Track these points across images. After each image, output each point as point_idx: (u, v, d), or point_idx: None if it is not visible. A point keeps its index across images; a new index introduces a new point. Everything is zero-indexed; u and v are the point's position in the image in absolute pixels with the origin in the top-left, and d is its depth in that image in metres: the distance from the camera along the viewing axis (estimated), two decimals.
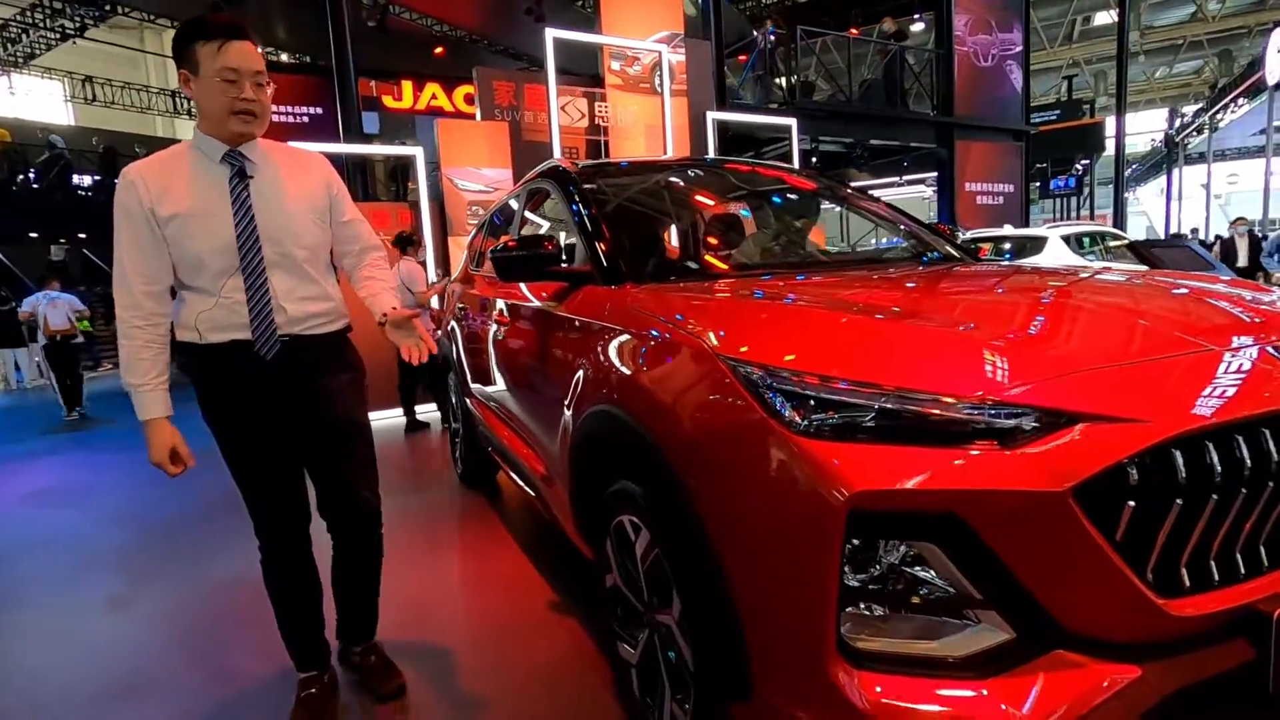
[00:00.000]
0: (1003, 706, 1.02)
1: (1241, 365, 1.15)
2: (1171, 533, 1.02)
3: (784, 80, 10.31)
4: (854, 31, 11.21)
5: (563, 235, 2.48)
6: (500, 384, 2.84)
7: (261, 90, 1.66)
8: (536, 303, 2.34)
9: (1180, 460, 1.00)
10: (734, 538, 1.22)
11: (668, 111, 7.22)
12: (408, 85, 14.14)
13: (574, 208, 2.33)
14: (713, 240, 2.55)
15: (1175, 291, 1.54)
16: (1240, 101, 23.15)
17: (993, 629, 1.07)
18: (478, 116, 6.85)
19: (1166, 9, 24.04)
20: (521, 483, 2.69)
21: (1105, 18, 24.34)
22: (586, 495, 1.93)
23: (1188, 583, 1.05)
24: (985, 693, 1.04)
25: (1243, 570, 1.09)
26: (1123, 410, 1.02)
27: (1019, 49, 11.40)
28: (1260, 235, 10.62)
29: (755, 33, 10.42)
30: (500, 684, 2.00)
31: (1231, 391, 1.09)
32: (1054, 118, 18.60)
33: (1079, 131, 16.84)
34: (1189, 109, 27.02)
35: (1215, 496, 1.02)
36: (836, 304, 1.53)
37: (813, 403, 1.14)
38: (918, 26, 13.90)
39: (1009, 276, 1.89)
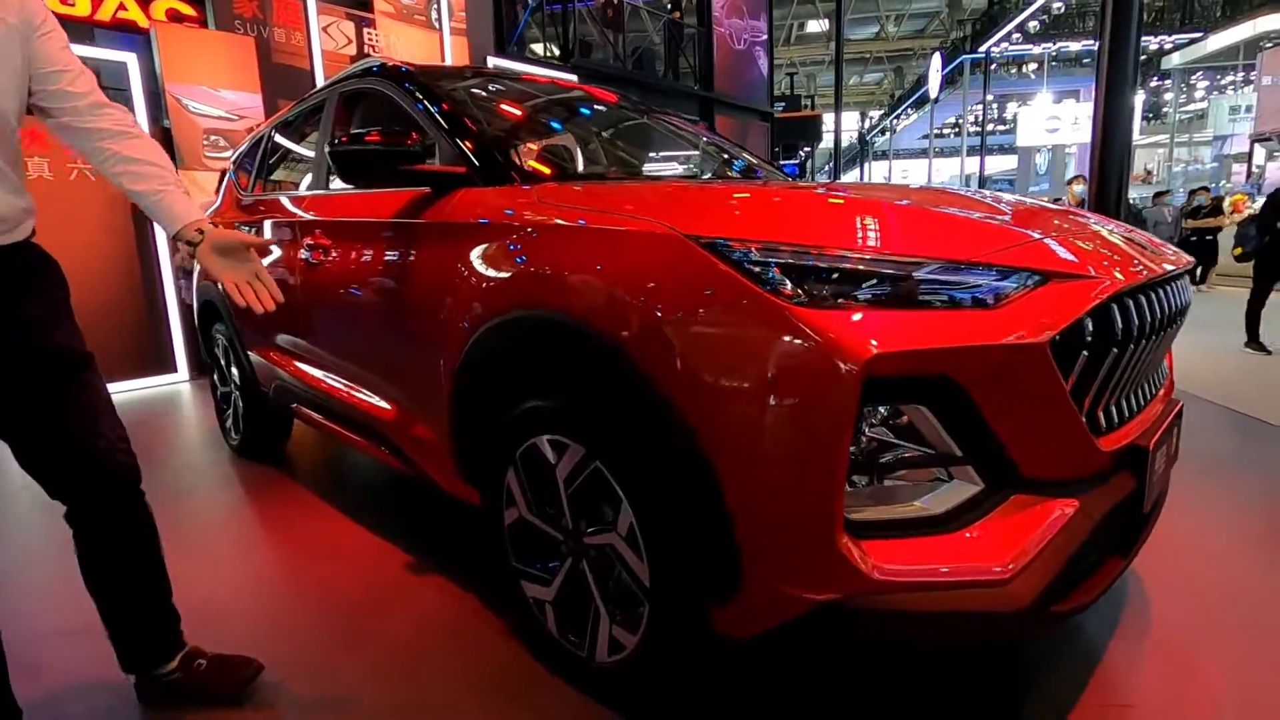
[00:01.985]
0: (986, 548, 1.10)
1: (1107, 243, 1.36)
2: (1103, 379, 1.17)
3: (556, 43, 10.15)
4: None
5: None
6: (320, 324, 2.38)
7: None
8: (383, 216, 1.98)
9: (1117, 314, 1.15)
10: (726, 427, 1.14)
11: (447, 49, 6.68)
12: None
13: (420, 106, 2.01)
14: (586, 142, 2.38)
15: (1003, 202, 1.74)
16: (910, 111, 28.58)
17: (966, 483, 1.14)
18: (210, 24, 5.63)
19: (859, 26, 28.65)
20: (356, 436, 2.29)
21: (816, 26, 28.18)
22: (477, 427, 1.69)
23: (1103, 424, 1.22)
24: (967, 538, 1.11)
25: (1128, 413, 1.30)
26: (1080, 268, 1.14)
27: (765, 37, 12.64)
28: None
29: None
30: (373, 654, 1.69)
31: (1121, 261, 1.28)
32: (781, 108, 21.06)
33: (803, 122, 19.24)
34: (875, 113, 32.63)
35: (1132, 347, 1.20)
36: (774, 188, 1.50)
37: (809, 274, 1.10)
38: None
39: (888, 185, 2.03)
